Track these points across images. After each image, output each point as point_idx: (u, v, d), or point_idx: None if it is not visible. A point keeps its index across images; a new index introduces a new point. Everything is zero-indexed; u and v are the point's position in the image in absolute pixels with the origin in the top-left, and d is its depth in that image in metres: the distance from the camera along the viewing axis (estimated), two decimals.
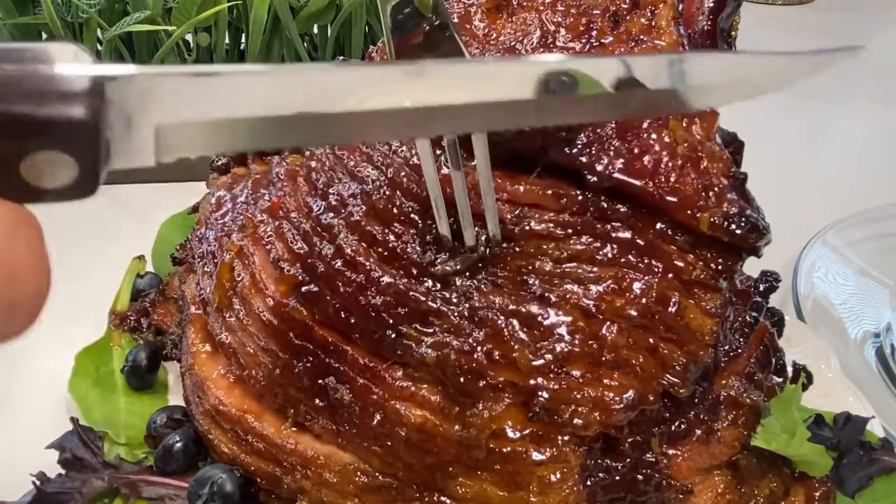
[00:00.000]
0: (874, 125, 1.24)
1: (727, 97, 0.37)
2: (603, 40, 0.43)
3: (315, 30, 1.02)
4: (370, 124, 0.28)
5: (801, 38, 1.69)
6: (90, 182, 0.22)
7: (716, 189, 0.40)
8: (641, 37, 0.43)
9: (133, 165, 0.24)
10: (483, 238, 0.42)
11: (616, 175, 0.40)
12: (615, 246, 0.41)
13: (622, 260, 0.41)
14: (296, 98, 0.26)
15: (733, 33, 0.48)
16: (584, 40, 0.44)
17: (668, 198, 0.40)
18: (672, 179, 0.40)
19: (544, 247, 0.42)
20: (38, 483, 0.48)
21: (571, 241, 0.42)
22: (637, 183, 0.40)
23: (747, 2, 1.72)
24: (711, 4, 0.45)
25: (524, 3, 0.46)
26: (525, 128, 0.36)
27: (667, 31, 0.43)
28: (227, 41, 0.99)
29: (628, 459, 0.43)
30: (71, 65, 0.21)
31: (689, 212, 0.40)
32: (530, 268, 0.42)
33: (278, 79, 0.26)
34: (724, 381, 0.46)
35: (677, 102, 0.35)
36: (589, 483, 0.42)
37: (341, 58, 0.54)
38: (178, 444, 0.50)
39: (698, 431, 0.45)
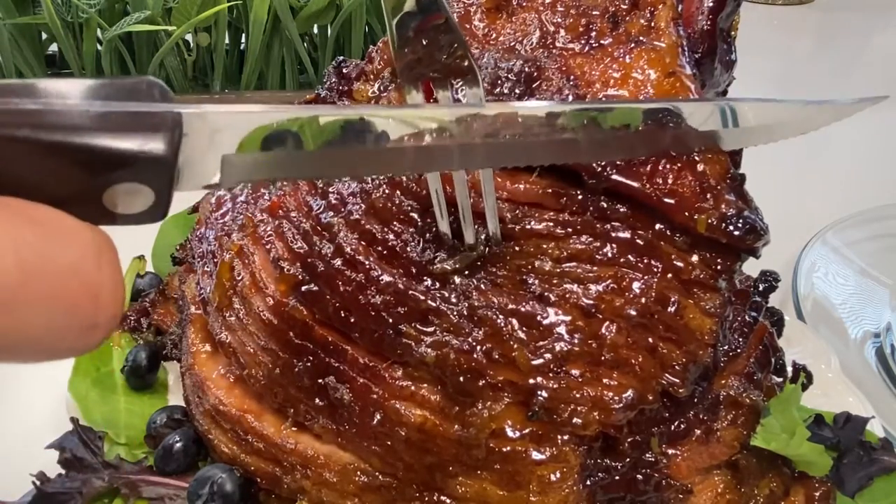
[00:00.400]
0: (874, 125, 1.24)
1: (756, 139, 0.41)
2: (602, 41, 0.43)
3: (315, 30, 1.02)
4: (420, 159, 0.30)
5: (801, 38, 1.69)
6: (162, 207, 0.24)
7: (713, 191, 0.40)
8: (641, 38, 0.43)
9: (198, 189, 0.26)
10: (483, 237, 0.42)
11: (614, 176, 0.40)
12: (615, 246, 0.41)
13: (622, 260, 0.41)
14: (349, 135, 0.28)
15: (733, 33, 0.48)
16: (583, 41, 0.44)
17: (666, 199, 0.40)
18: (669, 181, 0.40)
19: (544, 246, 0.42)
20: (38, 483, 0.48)
21: (571, 241, 0.42)
22: (634, 185, 0.40)
23: (747, 2, 1.72)
24: (711, 4, 0.45)
25: (524, 4, 0.46)
26: (571, 162, 0.38)
27: (666, 32, 0.43)
28: (227, 41, 0.99)
29: (628, 459, 0.43)
30: (156, 103, 0.23)
31: (686, 214, 0.40)
32: (530, 267, 0.42)
33: (332, 116, 0.28)
34: (723, 381, 0.46)
35: (712, 143, 0.39)
36: (588, 483, 0.42)
37: (341, 58, 0.54)
38: (178, 444, 0.50)
39: (698, 431, 0.45)
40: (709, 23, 0.45)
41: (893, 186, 1.03)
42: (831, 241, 0.87)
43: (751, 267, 0.47)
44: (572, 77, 0.42)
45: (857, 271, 0.85)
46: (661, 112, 0.38)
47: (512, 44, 0.45)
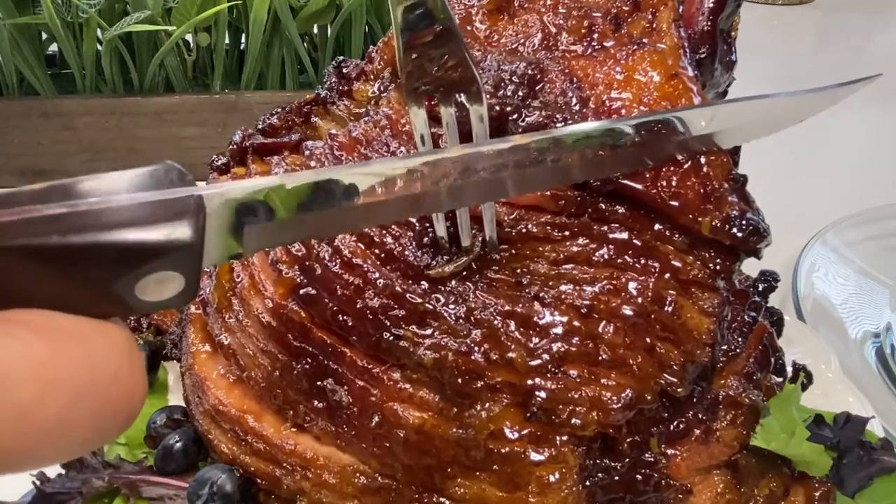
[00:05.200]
0: (874, 125, 1.24)
1: (754, 134, 0.41)
2: (605, 43, 0.43)
3: (315, 30, 1.02)
4: (420, 201, 0.32)
5: (801, 38, 1.69)
6: (192, 290, 0.25)
7: (717, 193, 0.40)
8: (643, 39, 0.43)
9: (222, 261, 0.27)
10: (479, 240, 0.42)
11: (619, 179, 0.41)
12: (612, 247, 0.41)
13: (618, 261, 0.41)
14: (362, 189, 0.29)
15: (733, 34, 0.48)
16: (585, 43, 0.44)
17: (671, 202, 0.40)
18: (674, 184, 0.40)
19: (540, 249, 0.42)
20: (38, 483, 0.48)
21: (568, 243, 0.42)
22: (639, 187, 0.41)
23: (748, 2, 1.72)
24: (711, 5, 0.45)
25: (525, 5, 0.45)
26: (569, 184, 0.40)
27: (668, 33, 0.43)
28: (227, 41, 0.99)
29: (627, 459, 0.43)
30: (177, 188, 0.23)
31: (690, 216, 0.40)
32: (526, 269, 0.42)
33: (349, 174, 0.29)
34: (722, 381, 0.46)
35: (710, 144, 0.40)
36: (588, 483, 0.42)
37: (341, 58, 0.54)
38: (178, 444, 0.51)
39: (697, 431, 0.45)
40: (709, 23, 0.45)
41: (893, 186, 1.04)
42: (831, 241, 0.87)
43: (750, 267, 0.47)
44: (575, 79, 0.42)
45: (857, 271, 0.85)
46: (654, 124, 0.38)
47: (514, 45, 0.45)
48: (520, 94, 0.43)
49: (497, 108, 0.42)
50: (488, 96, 0.42)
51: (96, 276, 0.22)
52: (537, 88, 0.43)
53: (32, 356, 0.21)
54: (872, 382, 0.72)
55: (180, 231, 0.23)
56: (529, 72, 0.43)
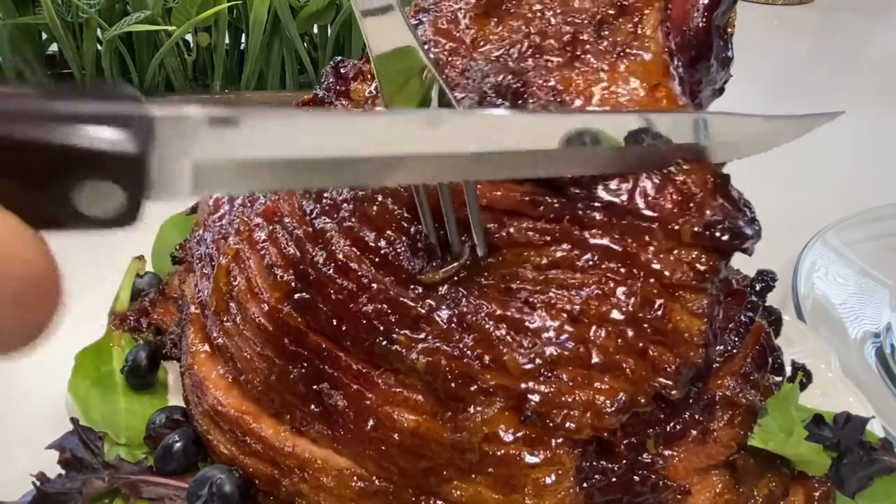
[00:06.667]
0: (874, 125, 1.24)
1: (724, 155, 0.42)
2: (588, 52, 0.43)
3: (315, 30, 1.02)
4: (393, 168, 0.31)
5: (801, 38, 1.69)
6: (133, 212, 0.24)
7: (696, 198, 0.40)
8: (626, 47, 0.42)
9: (170, 198, 0.26)
10: (468, 245, 0.41)
11: (597, 191, 0.40)
12: (594, 253, 0.41)
13: (602, 266, 0.41)
14: (321, 143, 0.28)
15: (730, 30, 0.48)
16: (569, 50, 0.43)
17: (649, 212, 0.40)
18: (651, 193, 0.40)
19: (525, 254, 0.41)
20: (38, 483, 0.48)
21: (551, 249, 0.41)
22: (616, 200, 0.40)
23: (748, 1, 1.71)
24: (706, 1, 0.45)
25: (512, 10, 0.45)
26: (544, 176, 0.38)
27: (653, 38, 0.43)
28: (227, 41, 0.99)
29: (624, 461, 0.43)
30: (127, 104, 0.23)
31: (669, 226, 0.40)
32: (514, 276, 0.41)
33: (304, 124, 0.29)
34: (719, 382, 0.46)
35: (689, 151, 0.40)
36: (585, 485, 0.42)
37: (338, 58, 0.54)
38: (178, 445, 0.51)
39: (694, 432, 0.45)
40: (704, 20, 0.45)
41: (893, 186, 1.04)
42: (831, 241, 0.87)
43: (749, 266, 0.47)
44: (558, 91, 0.42)
45: (857, 271, 0.85)
46: (637, 130, 0.38)
47: (499, 52, 0.44)
48: (505, 106, 0.42)
49: None
50: (475, 107, 0.42)
51: (28, 174, 0.22)
52: (519, 103, 0.42)
53: None
54: (872, 382, 0.72)
55: (121, 141, 0.23)
56: (513, 84, 0.42)
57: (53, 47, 0.99)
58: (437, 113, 0.32)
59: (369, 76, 0.51)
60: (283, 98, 0.99)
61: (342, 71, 0.53)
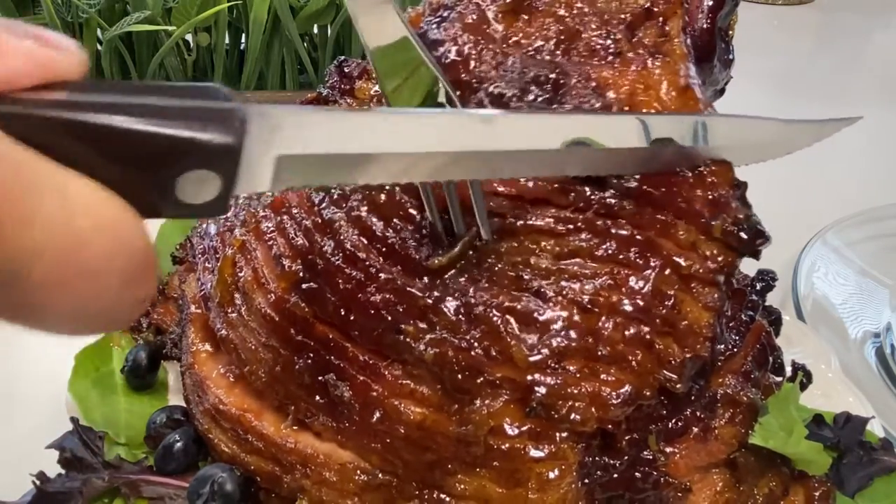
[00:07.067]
0: (874, 125, 1.24)
1: (742, 158, 0.43)
2: (621, 50, 0.44)
3: (315, 30, 1.02)
4: (442, 164, 0.33)
5: (801, 38, 1.69)
6: (225, 200, 0.27)
7: (723, 199, 0.41)
8: (656, 48, 0.43)
9: (253, 190, 0.28)
10: (473, 231, 0.42)
11: (641, 185, 0.41)
12: (614, 242, 0.42)
13: (620, 256, 0.41)
14: (380, 140, 0.31)
15: (731, 32, 0.48)
16: (602, 49, 0.44)
17: (682, 206, 0.41)
18: (685, 192, 0.41)
19: (543, 243, 0.42)
20: (38, 483, 0.48)
21: (571, 238, 0.42)
22: (656, 193, 0.41)
23: (748, 1, 1.72)
24: (710, 3, 0.45)
25: (541, 8, 0.45)
26: (550, 175, 0.41)
27: (678, 41, 0.44)
28: (227, 41, 0.99)
29: (626, 457, 0.43)
30: (225, 101, 0.26)
31: (701, 221, 0.41)
32: (528, 264, 0.42)
33: (370, 121, 0.31)
34: (720, 380, 0.46)
35: (699, 160, 0.41)
36: (587, 481, 0.42)
37: (343, 57, 0.54)
38: (178, 444, 0.50)
39: (695, 429, 0.45)
40: (708, 21, 0.45)
41: (893, 186, 1.04)
42: (831, 241, 0.87)
43: (750, 266, 0.47)
44: (596, 86, 0.43)
45: (857, 271, 0.86)
46: (663, 137, 0.39)
47: (532, 48, 0.44)
48: (546, 98, 0.43)
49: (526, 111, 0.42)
50: (515, 100, 0.42)
51: (141, 163, 0.24)
52: (561, 92, 0.43)
53: (93, 195, 0.24)
54: (872, 382, 0.72)
55: (220, 133, 0.25)
56: (553, 76, 0.43)
57: None
58: (486, 114, 0.35)
59: (374, 75, 0.52)
60: (283, 98, 1.00)
61: (346, 70, 0.53)
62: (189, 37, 0.96)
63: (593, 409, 0.40)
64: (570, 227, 0.42)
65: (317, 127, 0.29)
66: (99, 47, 0.93)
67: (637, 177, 0.41)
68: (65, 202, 0.23)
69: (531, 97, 0.43)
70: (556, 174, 0.40)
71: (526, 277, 0.41)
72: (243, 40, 1.01)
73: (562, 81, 0.43)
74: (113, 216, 0.24)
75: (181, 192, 0.25)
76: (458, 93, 0.42)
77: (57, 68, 0.24)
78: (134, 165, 0.24)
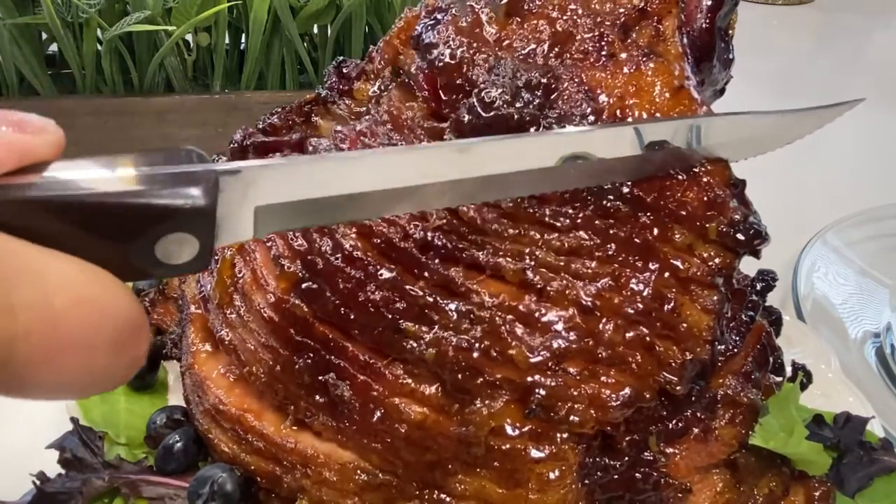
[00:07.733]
0: (874, 125, 1.24)
1: (740, 153, 0.43)
2: (614, 52, 0.43)
3: (315, 30, 1.02)
4: (426, 195, 0.34)
5: (801, 38, 1.69)
6: (206, 257, 0.28)
7: (719, 199, 0.41)
8: (650, 49, 0.43)
9: (236, 241, 0.29)
10: None
11: (632, 190, 0.41)
12: (613, 243, 0.42)
13: (620, 258, 0.41)
14: (365, 177, 0.32)
15: (731, 32, 0.48)
16: (595, 51, 0.44)
17: (675, 209, 0.41)
18: (679, 195, 0.41)
19: (546, 236, 0.42)
20: (38, 483, 0.48)
21: (572, 234, 0.42)
22: (647, 198, 0.41)
23: (748, 1, 1.72)
24: (709, 3, 0.45)
25: (534, 10, 0.45)
26: (548, 192, 0.41)
27: (673, 41, 0.43)
28: (227, 41, 0.99)
29: (626, 458, 0.43)
30: (195, 165, 0.27)
31: (696, 223, 0.41)
32: (531, 257, 0.42)
33: (347, 163, 0.32)
34: (721, 381, 0.46)
35: (694, 160, 0.41)
36: (587, 481, 0.42)
37: (341, 58, 0.54)
38: (178, 444, 0.51)
39: (696, 430, 0.45)
40: (707, 21, 0.45)
41: (893, 186, 1.04)
42: (831, 241, 0.87)
43: (750, 266, 0.47)
44: (588, 89, 0.43)
45: (857, 271, 0.86)
46: (657, 140, 0.40)
47: (525, 51, 0.44)
48: (536, 103, 0.43)
49: (516, 117, 0.42)
50: (506, 106, 0.42)
51: (117, 233, 0.25)
52: (552, 97, 0.43)
53: (71, 272, 0.24)
54: (872, 382, 0.72)
55: (194, 197, 0.26)
56: (544, 80, 0.43)
57: (53, 47, 0.99)
58: (465, 143, 0.36)
59: (372, 76, 0.52)
60: (283, 98, 0.99)
61: (345, 70, 0.53)
62: (189, 37, 0.96)
63: (592, 411, 0.40)
64: (569, 222, 0.42)
65: (292, 177, 0.30)
66: (99, 47, 0.93)
67: (629, 182, 0.41)
68: (45, 285, 0.23)
69: (522, 103, 0.42)
70: (555, 189, 0.41)
71: (530, 275, 0.41)
72: (243, 40, 1.01)
73: (553, 86, 0.43)
74: (95, 290, 0.25)
75: (162, 255, 0.26)
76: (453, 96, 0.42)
77: (34, 152, 0.24)
78: (110, 237, 0.25)
